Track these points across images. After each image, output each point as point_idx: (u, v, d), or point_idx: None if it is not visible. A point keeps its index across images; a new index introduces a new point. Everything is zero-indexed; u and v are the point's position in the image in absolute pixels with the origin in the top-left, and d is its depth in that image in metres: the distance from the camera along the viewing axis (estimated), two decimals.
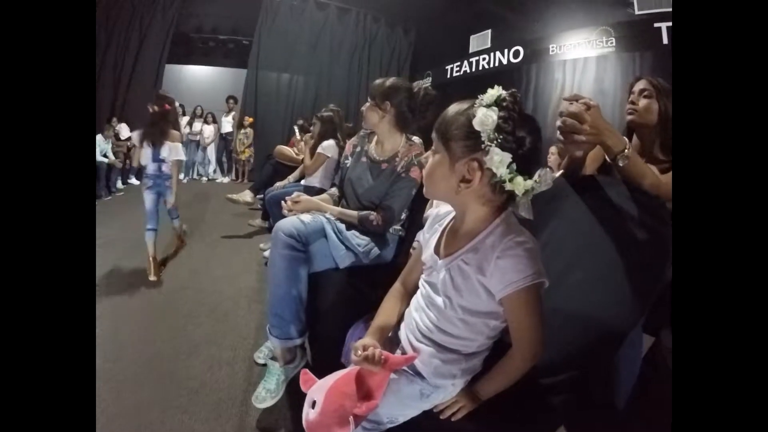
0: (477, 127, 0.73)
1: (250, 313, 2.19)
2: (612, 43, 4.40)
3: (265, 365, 1.64)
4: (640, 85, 1.30)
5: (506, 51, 5.78)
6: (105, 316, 2.04)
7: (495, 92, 0.75)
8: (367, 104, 1.64)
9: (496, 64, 5.94)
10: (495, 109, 0.73)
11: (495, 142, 0.73)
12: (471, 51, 6.41)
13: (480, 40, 6.31)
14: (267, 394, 1.44)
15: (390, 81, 1.63)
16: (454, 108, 0.80)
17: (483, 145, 0.73)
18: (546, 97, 5.07)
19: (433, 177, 0.82)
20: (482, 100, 0.76)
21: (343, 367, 1.11)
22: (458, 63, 6.62)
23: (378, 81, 1.66)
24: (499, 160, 0.72)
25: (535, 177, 0.75)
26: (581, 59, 4.71)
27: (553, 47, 5.11)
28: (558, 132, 0.97)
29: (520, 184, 0.74)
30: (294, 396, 1.47)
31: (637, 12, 4.15)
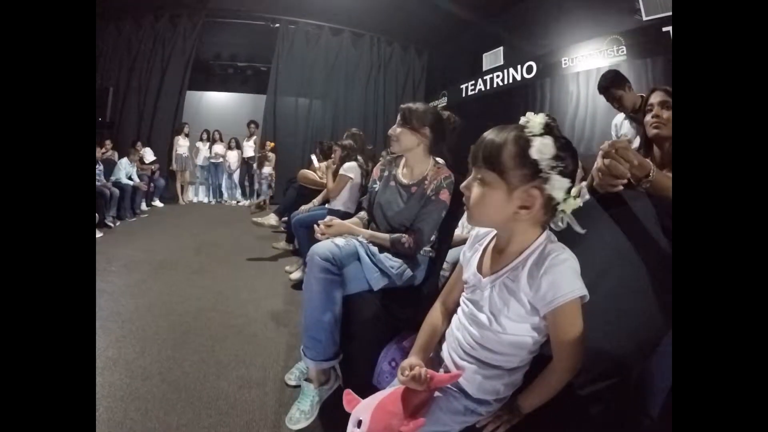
0: (535, 156, 0.75)
1: (278, 335, 2.18)
2: (623, 51, 4.40)
3: (296, 387, 1.64)
4: (658, 96, 1.28)
5: (519, 67, 5.83)
6: (131, 336, 2.07)
7: (541, 119, 0.78)
8: (403, 128, 1.60)
9: (510, 81, 5.99)
10: (549, 137, 0.76)
11: (555, 169, 0.75)
12: (484, 69, 6.49)
13: (492, 58, 6.39)
14: (301, 415, 1.45)
15: (424, 106, 1.61)
16: (498, 136, 0.80)
17: (542, 173, 0.76)
18: (562, 110, 5.06)
19: (485, 205, 0.81)
20: (528, 127, 0.77)
21: (375, 388, 1.12)
22: (473, 81, 6.69)
23: (412, 106, 1.61)
24: (560, 186, 0.76)
25: (574, 192, 0.78)
26: (594, 70, 4.70)
27: (565, 60, 5.13)
28: (599, 174, 0.97)
29: (571, 204, 0.78)
30: (327, 418, 1.47)
31: (645, 18, 4.15)
